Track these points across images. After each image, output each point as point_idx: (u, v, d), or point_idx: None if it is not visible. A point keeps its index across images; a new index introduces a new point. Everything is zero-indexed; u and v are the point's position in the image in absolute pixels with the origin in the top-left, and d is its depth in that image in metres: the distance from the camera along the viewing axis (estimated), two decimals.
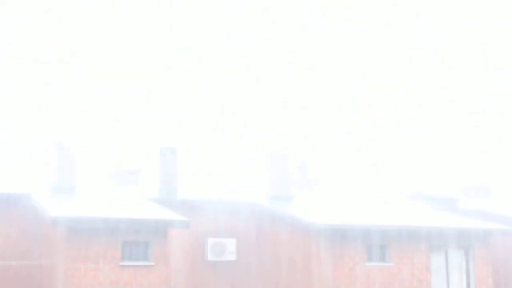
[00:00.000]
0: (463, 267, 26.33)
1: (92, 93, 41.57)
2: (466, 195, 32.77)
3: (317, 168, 33.19)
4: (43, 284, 23.50)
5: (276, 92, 47.33)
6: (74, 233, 21.27)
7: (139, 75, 46.60)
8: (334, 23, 52.46)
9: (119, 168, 28.15)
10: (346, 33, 52.28)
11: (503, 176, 40.31)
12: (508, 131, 45.20)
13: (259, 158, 33.82)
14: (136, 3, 50.20)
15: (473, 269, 26.27)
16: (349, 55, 51.43)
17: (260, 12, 51.91)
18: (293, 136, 43.54)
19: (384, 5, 52.57)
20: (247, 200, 26.81)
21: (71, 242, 21.25)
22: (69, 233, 21.27)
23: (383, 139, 46.72)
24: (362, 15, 52.50)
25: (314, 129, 45.91)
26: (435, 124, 48.49)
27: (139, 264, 21.77)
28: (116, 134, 41.61)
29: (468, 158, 44.16)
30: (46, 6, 47.91)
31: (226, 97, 44.47)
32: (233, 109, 42.17)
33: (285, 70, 50.23)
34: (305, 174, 31.15)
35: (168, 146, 26.75)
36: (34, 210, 24.63)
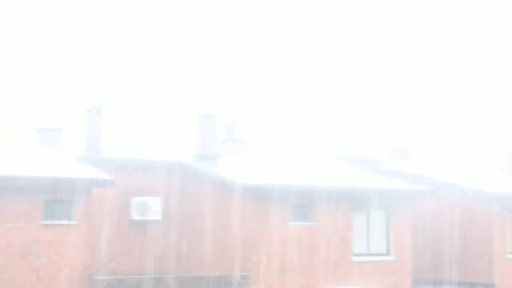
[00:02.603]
0: (383, 227, 26.95)
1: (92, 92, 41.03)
2: (389, 156, 33.40)
3: (245, 129, 33.37)
4: None
5: (276, 92, 47.36)
6: None
7: (139, 75, 46.19)
8: (334, 23, 52.70)
9: (42, 126, 27.74)
10: (346, 33, 52.61)
11: (424, 139, 41.28)
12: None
13: (188, 119, 33.86)
14: (136, 3, 49.70)
15: (392, 228, 26.92)
16: (349, 55, 51.74)
17: (260, 12, 51.90)
18: (222, 97, 43.63)
19: (384, 5, 52.91)
20: (172, 159, 26.83)
21: None
22: None
23: (311, 100, 47.21)
24: (362, 15, 52.81)
25: (245, 90, 46.10)
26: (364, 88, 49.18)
27: (61, 223, 21.63)
28: (41, 91, 41.13)
29: (392, 121, 45.00)
30: (46, 6, 47.16)
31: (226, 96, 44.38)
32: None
33: (285, 70, 50.38)
34: (232, 135, 31.29)
35: (93, 103, 26.52)
36: None
